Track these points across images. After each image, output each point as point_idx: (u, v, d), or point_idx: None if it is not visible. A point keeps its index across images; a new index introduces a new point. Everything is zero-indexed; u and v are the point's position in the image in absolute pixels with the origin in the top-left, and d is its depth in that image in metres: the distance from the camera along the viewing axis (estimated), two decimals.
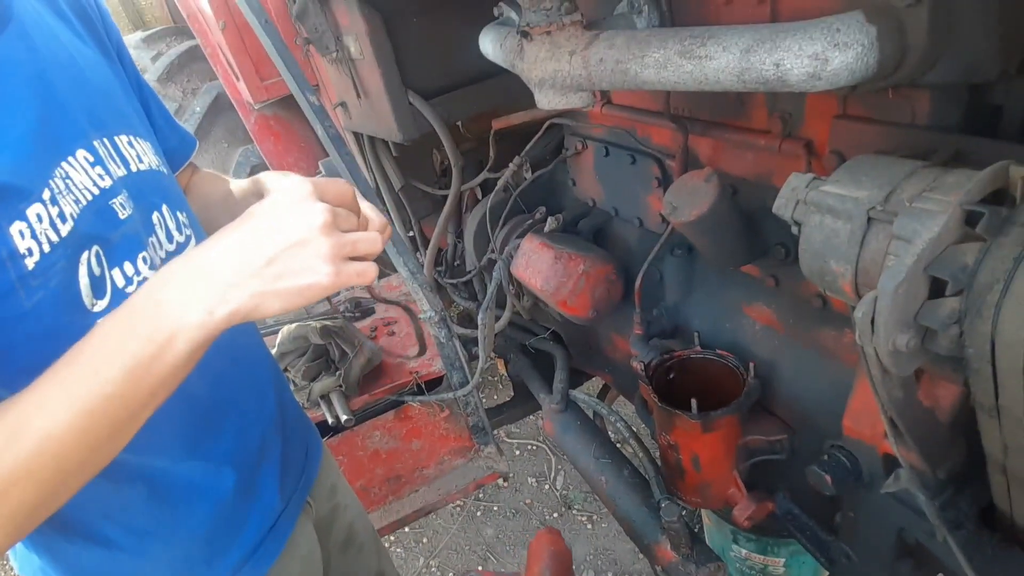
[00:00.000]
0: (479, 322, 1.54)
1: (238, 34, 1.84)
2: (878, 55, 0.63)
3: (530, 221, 1.60)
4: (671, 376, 1.20)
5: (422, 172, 2.04)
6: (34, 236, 0.62)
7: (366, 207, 0.75)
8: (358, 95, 1.63)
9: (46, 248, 0.63)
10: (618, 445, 1.55)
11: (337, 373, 1.65)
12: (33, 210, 0.63)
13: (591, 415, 1.64)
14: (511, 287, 1.63)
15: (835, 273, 0.65)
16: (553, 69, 0.93)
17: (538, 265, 1.42)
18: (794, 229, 0.70)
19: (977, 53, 0.65)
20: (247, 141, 2.38)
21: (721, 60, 0.70)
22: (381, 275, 2.33)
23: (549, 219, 1.55)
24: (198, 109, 2.41)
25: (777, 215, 0.72)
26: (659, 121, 1.21)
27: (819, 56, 0.63)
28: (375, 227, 0.73)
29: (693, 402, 1.06)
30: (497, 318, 1.75)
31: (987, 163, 0.58)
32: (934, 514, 0.75)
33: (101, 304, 0.69)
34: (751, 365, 1.08)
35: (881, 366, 0.62)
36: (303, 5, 1.51)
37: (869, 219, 0.61)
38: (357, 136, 1.93)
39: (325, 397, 1.65)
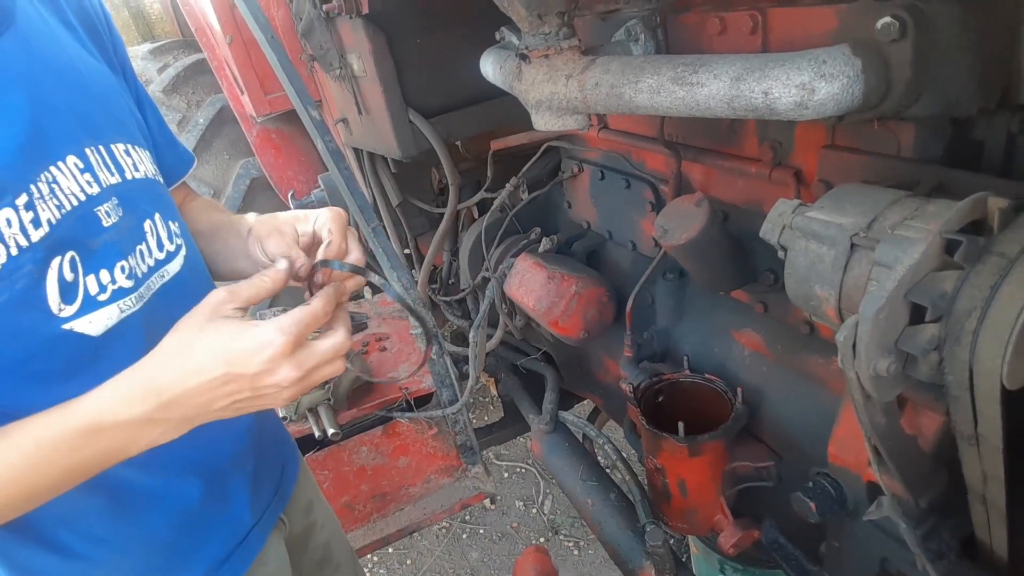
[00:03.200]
0: (471, 340, 1.54)
1: (244, 49, 1.88)
2: (863, 87, 0.65)
3: (525, 241, 1.61)
4: (660, 399, 1.20)
5: (420, 189, 2.06)
6: (1, 240, 0.63)
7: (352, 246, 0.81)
8: (359, 112, 1.65)
9: (13, 251, 0.63)
10: (607, 470, 1.54)
11: (326, 386, 1.64)
12: (3, 215, 0.63)
13: (580, 438, 1.63)
14: (504, 306, 1.63)
15: (819, 298, 0.66)
16: (550, 91, 0.95)
17: (531, 284, 1.43)
18: (780, 254, 0.71)
19: (958, 88, 0.67)
20: (248, 154, 2.40)
21: (712, 87, 0.71)
22: (375, 291, 2.33)
23: (544, 240, 1.56)
24: (201, 121, 2.43)
25: (764, 240, 0.74)
26: (653, 147, 1.23)
27: (806, 86, 0.65)
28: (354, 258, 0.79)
29: (680, 425, 1.06)
30: (489, 337, 1.75)
31: (968, 195, 0.60)
32: (915, 543, 0.75)
33: (69, 310, 0.69)
34: (739, 390, 1.08)
35: (863, 391, 0.63)
36: (309, 22, 1.54)
37: (852, 245, 0.62)
38: (357, 152, 1.95)
39: (313, 410, 1.65)
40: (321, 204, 2.01)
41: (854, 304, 0.63)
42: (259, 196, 2.40)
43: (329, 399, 1.63)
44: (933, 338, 0.59)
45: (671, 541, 1.19)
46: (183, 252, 0.86)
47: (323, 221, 0.81)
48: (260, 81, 1.97)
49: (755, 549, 1.15)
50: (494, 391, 2.71)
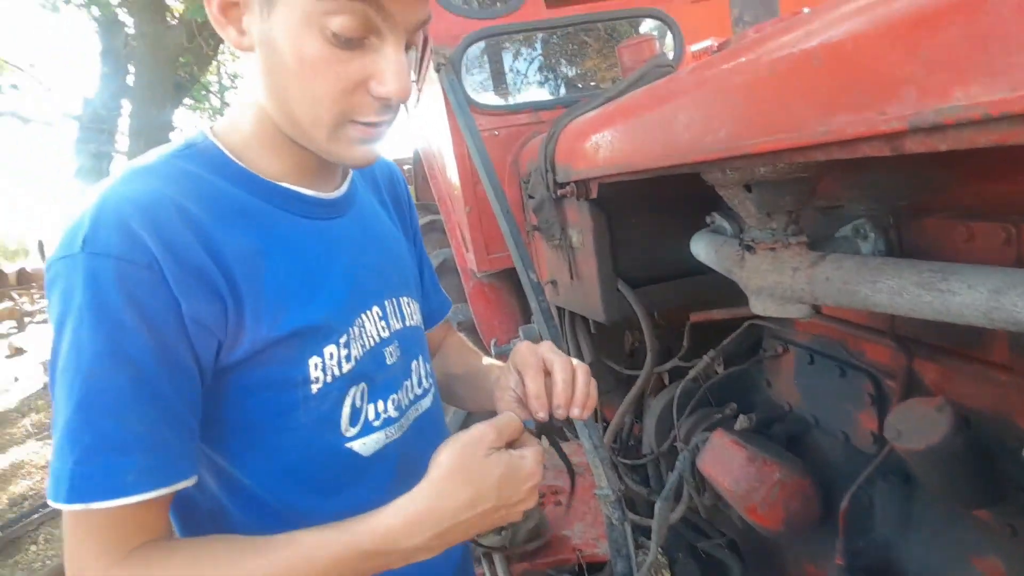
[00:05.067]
0: (656, 511, 1.50)
1: (478, 217, 2.23)
2: None
3: (720, 416, 1.58)
4: None
5: (611, 351, 2.15)
6: (323, 369, 0.79)
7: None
8: (571, 277, 1.83)
9: (329, 379, 0.79)
10: None
11: (503, 532, 1.67)
12: (328, 349, 0.80)
13: None
14: (692, 479, 1.58)
15: None
16: (774, 281, 1.00)
17: (728, 464, 1.38)
18: None
19: None
20: (459, 300, 2.72)
21: (966, 297, 0.71)
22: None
23: (740, 417, 1.52)
24: None
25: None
26: (876, 338, 1.20)
27: None
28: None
29: None
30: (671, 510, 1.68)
31: None
32: None
33: (353, 431, 0.83)
34: None
35: None
36: (540, 201, 1.79)
37: None
38: (559, 310, 2.12)
39: (488, 555, 1.66)
40: None
41: None
42: None
43: (505, 546, 1.65)
44: None
45: None
46: (432, 390, 1.01)
47: (572, 372, 0.84)
48: (486, 243, 2.29)
49: None
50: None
